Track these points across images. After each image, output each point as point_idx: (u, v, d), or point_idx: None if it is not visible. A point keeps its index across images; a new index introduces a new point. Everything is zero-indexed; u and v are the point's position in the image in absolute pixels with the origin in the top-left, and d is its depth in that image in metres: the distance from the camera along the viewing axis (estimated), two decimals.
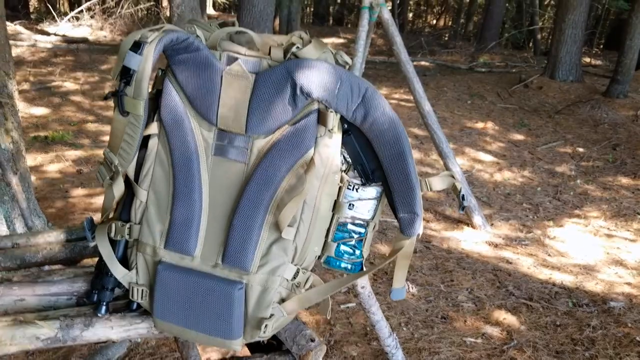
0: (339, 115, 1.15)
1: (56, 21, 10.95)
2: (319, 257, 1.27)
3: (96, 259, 1.30)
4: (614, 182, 4.94)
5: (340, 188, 1.24)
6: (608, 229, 3.99)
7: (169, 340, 2.38)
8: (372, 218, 1.26)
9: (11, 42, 8.51)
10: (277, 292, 1.19)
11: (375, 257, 3.31)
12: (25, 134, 4.83)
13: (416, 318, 2.74)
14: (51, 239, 1.63)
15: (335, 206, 1.25)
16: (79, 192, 4.01)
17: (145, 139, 1.20)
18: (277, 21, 11.32)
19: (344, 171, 1.24)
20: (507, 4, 14.50)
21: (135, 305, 1.27)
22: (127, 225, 1.22)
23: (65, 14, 12.20)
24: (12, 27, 9.72)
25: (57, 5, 15.21)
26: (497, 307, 2.88)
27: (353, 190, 1.24)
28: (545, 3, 17.22)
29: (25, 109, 5.86)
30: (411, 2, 20.94)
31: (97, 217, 1.28)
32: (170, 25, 1.13)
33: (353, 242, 1.27)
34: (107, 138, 4.54)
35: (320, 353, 1.27)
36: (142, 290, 1.23)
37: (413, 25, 20.77)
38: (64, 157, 4.65)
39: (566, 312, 2.85)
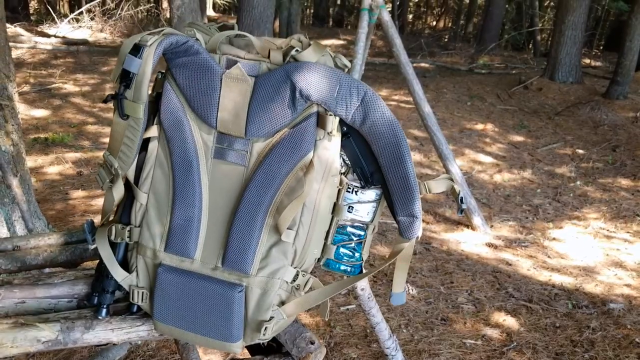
0: (338, 118, 1.15)
1: (56, 23, 10.97)
2: (319, 260, 1.28)
3: (97, 262, 1.31)
4: (613, 184, 4.94)
5: (339, 191, 1.24)
6: (608, 230, 4.00)
7: (169, 342, 2.39)
8: (372, 220, 1.26)
9: (11, 44, 8.50)
10: (276, 294, 1.19)
11: (375, 259, 3.31)
12: (25, 136, 4.84)
13: (416, 320, 2.74)
14: (52, 242, 1.63)
15: (335, 209, 1.25)
16: (79, 194, 4.01)
17: (145, 142, 1.21)
18: (277, 23, 11.33)
19: (343, 174, 1.24)
20: (506, 6, 14.51)
21: (135, 308, 1.28)
22: (127, 228, 1.22)
23: (65, 15, 12.22)
24: (12, 29, 9.74)
25: (57, 7, 15.23)
26: (497, 308, 2.88)
27: (352, 193, 1.24)
28: (545, 4, 17.24)
29: (25, 111, 5.86)
30: (411, 4, 20.96)
31: (97, 220, 1.28)
32: (169, 29, 1.13)
33: (352, 245, 1.27)
34: (107, 140, 4.54)
35: (320, 355, 1.27)
36: (143, 292, 1.23)
37: (413, 27, 20.79)
38: (64, 159, 4.66)
39: (566, 314, 2.85)
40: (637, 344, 2.59)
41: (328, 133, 1.15)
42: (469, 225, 3.89)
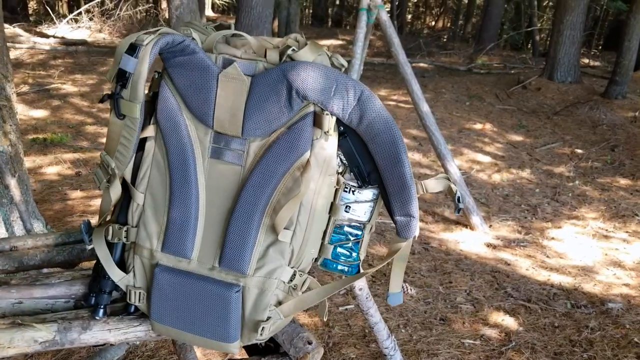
0: (334, 118, 1.15)
1: (55, 23, 10.96)
2: (316, 260, 1.28)
3: (94, 262, 1.31)
4: (612, 183, 4.94)
5: (336, 190, 1.24)
6: (606, 230, 4.00)
7: (167, 343, 2.39)
8: (369, 220, 1.26)
9: (10, 44, 8.44)
10: (274, 294, 1.19)
11: (374, 259, 3.31)
12: (24, 136, 4.84)
13: (415, 320, 2.74)
14: (49, 242, 1.63)
15: (332, 208, 1.25)
16: (77, 194, 4.01)
17: (142, 142, 1.21)
18: (275, 23, 11.33)
19: (340, 173, 1.24)
20: (505, 6, 14.52)
21: (133, 308, 1.28)
22: (125, 228, 1.22)
23: (64, 16, 12.21)
24: (11, 29, 9.73)
25: (56, 8, 15.22)
26: (496, 308, 2.88)
27: (349, 192, 1.24)
28: (544, 4, 17.26)
29: (24, 112, 5.86)
30: (410, 4, 20.96)
31: (95, 220, 1.28)
32: (166, 28, 1.13)
33: (350, 245, 1.27)
34: (105, 140, 4.53)
35: (317, 355, 1.27)
36: (140, 293, 1.23)
37: (412, 27, 20.81)
38: (62, 159, 4.66)
39: (564, 314, 2.85)
40: (635, 344, 2.59)
41: (325, 132, 1.15)
42: (467, 225, 3.89)
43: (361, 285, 1.90)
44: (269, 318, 1.19)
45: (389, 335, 2.10)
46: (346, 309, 2.80)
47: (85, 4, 11.83)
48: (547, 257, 3.53)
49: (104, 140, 5.12)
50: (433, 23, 21.87)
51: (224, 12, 18.10)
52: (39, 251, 1.57)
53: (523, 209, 4.33)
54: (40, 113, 5.98)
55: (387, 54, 9.77)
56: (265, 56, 1.15)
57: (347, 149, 1.20)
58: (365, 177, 1.21)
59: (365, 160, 1.20)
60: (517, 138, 6.22)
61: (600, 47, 14.53)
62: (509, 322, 2.77)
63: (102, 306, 1.24)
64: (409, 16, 21.41)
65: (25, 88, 6.82)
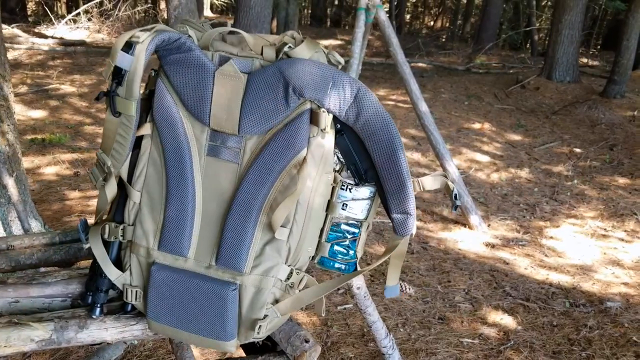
0: (331, 115, 1.15)
1: (54, 24, 10.95)
2: (313, 258, 1.27)
3: (91, 261, 1.30)
4: (611, 183, 4.94)
5: (333, 188, 1.24)
6: (605, 229, 4.00)
7: (165, 342, 2.38)
8: (366, 218, 1.26)
9: (9, 45, 8.45)
10: (271, 293, 1.19)
11: (372, 258, 3.31)
12: (22, 136, 4.83)
13: (413, 319, 2.74)
14: (46, 241, 1.63)
15: (329, 206, 1.25)
16: (75, 194, 4.00)
17: (139, 140, 1.20)
18: (274, 23, 11.33)
19: (337, 171, 1.24)
20: (504, 5, 14.52)
21: (129, 307, 1.27)
22: (121, 227, 1.22)
23: (63, 16, 12.21)
24: (9, 30, 9.73)
25: (55, 8, 15.22)
26: (494, 307, 2.88)
27: (346, 190, 1.24)
28: (543, 4, 17.26)
29: (22, 112, 5.85)
30: (408, 4, 20.97)
31: (93, 220, 1.27)
32: (162, 26, 1.13)
33: (347, 243, 1.27)
34: None
35: (314, 354, 1.27)
36: (136, 291, 1.23)
37: (410, 27, 20.81)
38: (61, 159, 4.65)
39: (563, 313, 2.85)
40: (634, 342, 2.59)
41: (321, 130, 1.14)
42: (466, 224, 3.89)
43: (359, 284, 1.90)
44: (265, 316, 1.19)
45: (387, 334, 2.10)
46: (345, 308, 2.80)
47: (83, 4, 11.82)
48: (546, 256, 3.53)
49: None
50: (432, 23, 21.88)
51: (223, 13, 18.09)
52: (36, 250, 1.56)
53: (522, 208, 4.33)
54: (39, 113, 5.98)
55: (386, 53, 9.76)
56: (261, 53, 1.15)
57: (344, 147, 1.20)
58: (362, 174, 1.21)
59: (362, 157, 1.20)
60: (516, 137, 6.22)
61: (598, 47, 14.54)
62: (508, 321, 2.76)
63: (98, 305, 1.23)
64: (408, 16, 21.41)
65: (23, 88, 6.81)
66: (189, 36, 1.15)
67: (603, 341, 2.60)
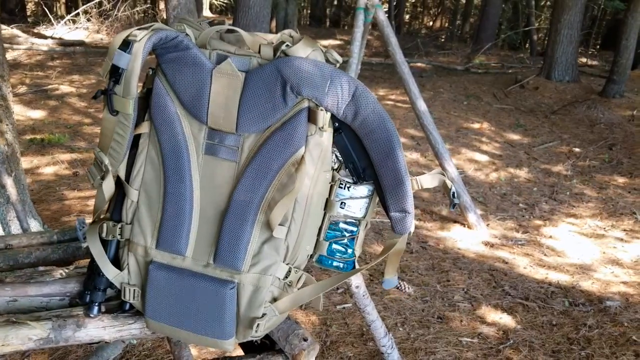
0: (329, 114, 1.14)
1: (53, 24, 10.95)
2: (311, 256, 1.27)
3: (89, 260, 1.30)
4: (610, 182, 4.95)
5: (331, 186, 1.23)
6: (604, 228, 4.00)
7: (164, 342, 2.38)
8: (364, 216, 1.26)
9: (8, 45, 8.44)
10: (269, 291, 1.18)
11: (371, 258, 3.31)
12: (21, 136, 4.83)
13: (412, 318, 2.74)
14: (44, 240, 1.63)
15: (327, 205, 1.25)
16: (74, 194, 4.00)
17: (136, 139, 1.20)
18: (273, 23, 11.33)
19: (336, 169, 1.24)
20: (503, 5, 14.53)
21: (128, 306, 1.27)
22: (119, 226, 1.22)
23: (62, 17, 12.20)
24: (9, 30, 9.72)
25: (54, 9, 15.22)
26: (493, 306, 2.88)
27: (344, 188, 1.24)
28: (542, 4, 17.27)
29: (21, 112, 5.85)
30: (407, 4, 20.97)
31: (91, 219, 1.27)
32: (159, 24, 1.13)
33: (345, 241, 1.27)
34: None
35: (313, 352, 1.27)
36: (134, 290, 1.22)
37: (409, 27, 20.82)
38: (60, 159, 4.65)
39: (562, 312, 2.85)
40: (633, 342, 2.59)
41: (319, 128, 1.14)
42: (465, 223, 3.89)
43: (358, 283, 1.90)
44: (264, 315, 1.18)
45: (386, 334, 2.10)
46: (344, 308, 2.80)
47: (83, 4, 11.82)
48: (545, 255, 3.53)
49: None
50: (431, 23, 21.88)
51: (222, 13, 18.10)
52: (34, 249, 1.56)
53: (521, 208, 4.33)
54: (38, 114, 5.97)
55: (385, 53, 9.76)
56: (259, 52, 1.15)
57: (342, 145, 1.20)
58: (361, 173, 1.21)
59: (361, 156, 1.20)
60: (515, 137, 6.22)
61: (597, 46, 14.54)
62: (507, 320, 2.76)
63: (96, 304, 1.23)
64: (407, 16, 21.42)
65: (23, 89, 6.81)
66: (187, 35, 1.15)
67: (602, 340, 2.60)
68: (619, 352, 2.52)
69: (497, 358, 2.46)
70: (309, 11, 20.21)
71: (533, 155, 5.63)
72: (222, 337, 1.19)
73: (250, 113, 1.13)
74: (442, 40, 16.19)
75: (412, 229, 1.21)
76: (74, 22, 11.29)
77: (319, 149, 1.16)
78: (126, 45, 1.08)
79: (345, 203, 1.24)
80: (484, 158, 5.49)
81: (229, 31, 1.21)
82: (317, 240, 1.26)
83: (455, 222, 3.96)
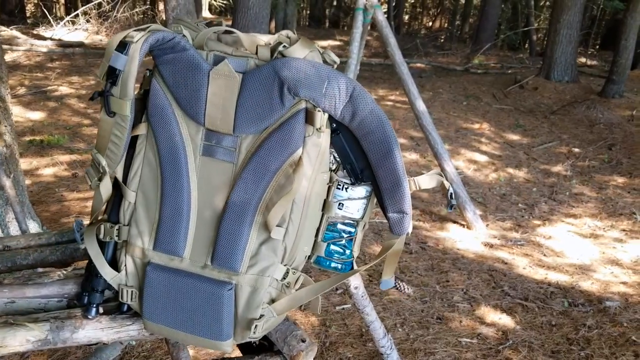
0: (326, 115, 1.14)
1: (52, 26, 10.95)
2: (309, 257, 1.27)
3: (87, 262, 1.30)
4: (609, 182, 4.95)
5: (329, 187, 1.23)
6: (604, 228, 4.00)
7: (163, 343, 2.38)
8: (362, 217, 1.26)
9: (7, 46, 8.44)
10: (267, 292, 1.18)
11: (370, 259, 3.31)
12: (20, 138, 4.82)
13: (412, 319, 2.73)
14: (42, 242, 1.63)
15: (325, 206, 1.24)
16: (73, 195, 4.00)
17: (134, 140, 1.20)
18: (272, 24, 11.33)
19: (333, 170, 1.24)
20: (502, 6, 14.53)
21: (125, 307, 1.27)
22: (116, 227, 1.22)
23: (62, 18, 12.20)
24: (8, 31, 9.73)
25: (54, 10, 15.22)
26: (493, 307, 2.88)
27: (342, 189, 1.24)
28: (541, 4, 17.27)
29: (20, 113, 5.85)
30: (407, 4, 20.98)
31: (89, 220, 1.27)
32: (156, 25, 1.12)
33: (343, 242, 1.27)
34: None
35: (311, 353, 1.26)
36: (132, 291, 1.22)
37: (409, 28, 20.82)
38: (59, 161, 4.65)
39: (562, 312, 2.85)
40: (633, 342, 2.59)
41: (317, 129, 1.14)
42: (464, 224, 3.89)
43: (357, 283, 1.90)
44: (262, 316, 1.18)
45: (385, 334, 2.09)
46: (343, 309, 2.79)
47: (82, 6, 11.82)
48: (544, 255, 3.53)
49: None
50: (430, 23, 21.88)
51: (221, 14, 18.10)
52: (32, 251, 1.56)
53: (520, 208, 4.33)
54: (37, 115, 5.97)
55: (385, 54, 9.77)
56: (256, 53, 1.15)
57: (340, 146, 1.20)
58: (358, 174, 1.21)
59: (358, 157, 1.20)
60: (515, 137, 6.22)
61: (597, 47, 14.54)
62: (506, 320, 2.76)
63: (94, 305, 1.23)
64: (406, 17, 21.42)
65: (22, 90, 6.81)
66: (184, 36, 1.15)
67: (602, 340, 2.60)
68: (619, 352, 2.51)
69: (497, 358, 2.46)
70: (308, 12, 20.22)
71: (532, 156, 5.63)
72: (220, 338, 1.19)
73: (248, 114, 1.13)
74: (442, 40, 16.19)
75: (410, 230, 1.21)
76: (73, 23, 11.29)
77: (316, 150, 1.16)
78: (123, 46, 1.08)
79: (343, 204, 1.24)
80: (483, 158, 5.49)
81: (226, 32, 1.20)
82: (315, 241, 1.26)
83: (454, 222, 3.96)
